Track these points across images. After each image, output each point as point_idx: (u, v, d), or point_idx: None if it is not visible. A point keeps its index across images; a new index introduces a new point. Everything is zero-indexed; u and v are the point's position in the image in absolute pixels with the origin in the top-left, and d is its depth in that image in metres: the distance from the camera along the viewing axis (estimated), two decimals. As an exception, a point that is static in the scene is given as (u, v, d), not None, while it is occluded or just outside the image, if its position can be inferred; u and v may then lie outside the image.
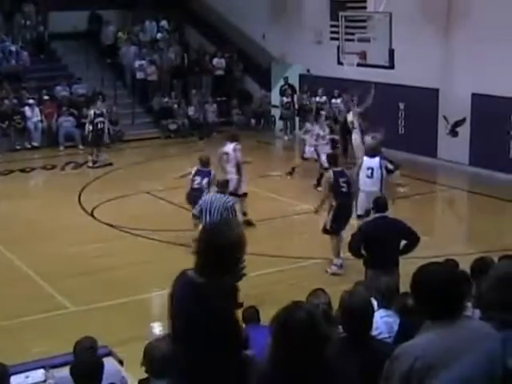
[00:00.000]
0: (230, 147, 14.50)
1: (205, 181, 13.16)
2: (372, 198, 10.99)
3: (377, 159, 12.80)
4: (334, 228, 11.99)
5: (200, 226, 10.47)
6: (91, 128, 20.55)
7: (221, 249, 3.92)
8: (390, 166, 14.15)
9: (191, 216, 11.23)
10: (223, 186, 11.14)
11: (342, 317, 4.75)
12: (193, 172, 13.48)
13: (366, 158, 12.85)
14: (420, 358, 3.32)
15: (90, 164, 20.26)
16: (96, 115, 20.62)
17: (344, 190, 12.08)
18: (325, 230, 12.17)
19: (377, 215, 9.60)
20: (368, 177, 12.63)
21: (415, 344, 3.43)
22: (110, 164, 20.20)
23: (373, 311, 4.94)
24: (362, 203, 12.37)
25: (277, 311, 3.34)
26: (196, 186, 13.24)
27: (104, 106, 21.49)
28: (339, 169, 12.41)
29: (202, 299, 3.90)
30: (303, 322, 3.18)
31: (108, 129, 21.29)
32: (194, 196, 12.75)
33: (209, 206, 10.70)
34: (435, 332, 3.41)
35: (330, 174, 12.35)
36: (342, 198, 12.01)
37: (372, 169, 12.66)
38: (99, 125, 20.64)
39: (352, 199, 12.26)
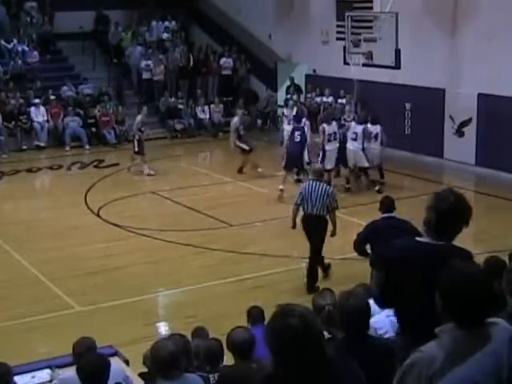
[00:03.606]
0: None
1: None
2: (372, 155, 16.91)
3: (378, 126, 16.94)
4: (286, 164, 16.78)
5: (301, 215, 11.37)
6: (138, 137, 19.01)
7: (443, 213, 4.33)
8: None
9: (293, 205, 11.57)
10: (320, 174, 11.76)
11: (340, 318, 4.81)
12: None
13: (369, 126, 16.91)
14: (439, 371, 3.17)
15: (148, 172, 18.86)
16: (144, 124, 19.44)
17: (297, 140, 16.67)
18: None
19: (384, 215, 9.58)
20: (372, 140, 17.00)
21: (435, 354, 3.24)
22: (117, 164, 20.22)
23: (369, 313, 4.95)
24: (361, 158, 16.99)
25: (268, 321, 3.24)
26: None
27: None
28: (300, 125, 16.93)
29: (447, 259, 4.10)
30: (299, 329, 3.08)
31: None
32: None
33: (309, 193, 11.12)
34: (458, 341, 3.24)
35: (288, 127, 17.65)
36: (293, 145, 16.72)
37: (377, 134, 16.97)
38: (144, 134, 19.33)
39: (303, 146, 16.61)
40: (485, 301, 3.25)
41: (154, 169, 19.09)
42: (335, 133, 16.88)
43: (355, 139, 16.87)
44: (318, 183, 11.28)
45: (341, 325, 4.85)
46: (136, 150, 18.98)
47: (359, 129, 16.92)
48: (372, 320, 5.34)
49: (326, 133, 16.72)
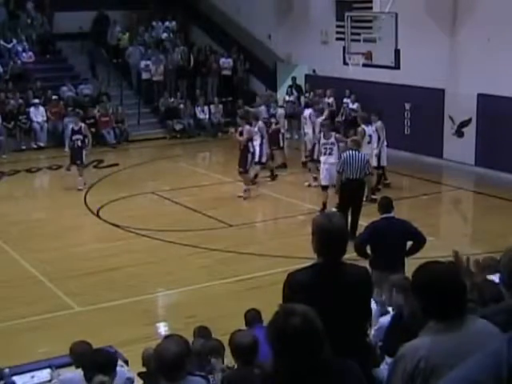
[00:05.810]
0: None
1: None
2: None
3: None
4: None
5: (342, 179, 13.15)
6: (69, 144, 18.04)
7: None
8: None
9: (337, 173, 13.60)
10: (358, 144, 13.78)
11: (320, 241, 4.38)
12: None
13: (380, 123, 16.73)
14: (424, 358, 3.30)
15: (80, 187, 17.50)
16: (74, 132, 17.94)
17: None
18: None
19: (383, 215, 9.59)
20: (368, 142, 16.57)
21: (419, 344, 3.41)
22: (116, 164, 20.22)
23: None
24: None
25: (270, 321, 3.22)
26: None
27: (80, 120, 18.82)
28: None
29: None
30: (301, 328, 3.07)
31: (84, 148, 17.88)
32: None
33: (349, 161, 13.10)
34: (439, 332, 3.39)
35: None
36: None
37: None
38: (76, 143, 17.74)
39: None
40: (457, 296, 3.42)
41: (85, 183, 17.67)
42: (333, 143, 15.42)
43: (370, 142, 16.36)
44: (356, 152, 13.26)
45: (322, 248, 4.44)
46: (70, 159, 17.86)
47: (371, 130, 16.43)
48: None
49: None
